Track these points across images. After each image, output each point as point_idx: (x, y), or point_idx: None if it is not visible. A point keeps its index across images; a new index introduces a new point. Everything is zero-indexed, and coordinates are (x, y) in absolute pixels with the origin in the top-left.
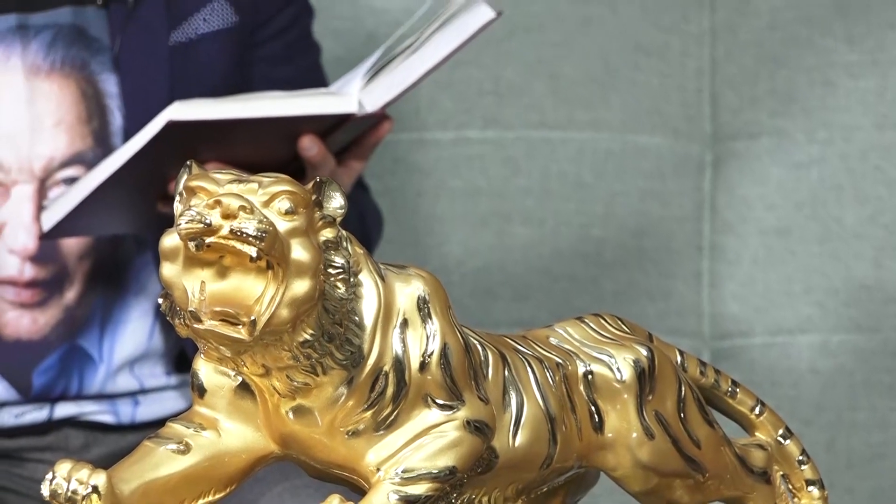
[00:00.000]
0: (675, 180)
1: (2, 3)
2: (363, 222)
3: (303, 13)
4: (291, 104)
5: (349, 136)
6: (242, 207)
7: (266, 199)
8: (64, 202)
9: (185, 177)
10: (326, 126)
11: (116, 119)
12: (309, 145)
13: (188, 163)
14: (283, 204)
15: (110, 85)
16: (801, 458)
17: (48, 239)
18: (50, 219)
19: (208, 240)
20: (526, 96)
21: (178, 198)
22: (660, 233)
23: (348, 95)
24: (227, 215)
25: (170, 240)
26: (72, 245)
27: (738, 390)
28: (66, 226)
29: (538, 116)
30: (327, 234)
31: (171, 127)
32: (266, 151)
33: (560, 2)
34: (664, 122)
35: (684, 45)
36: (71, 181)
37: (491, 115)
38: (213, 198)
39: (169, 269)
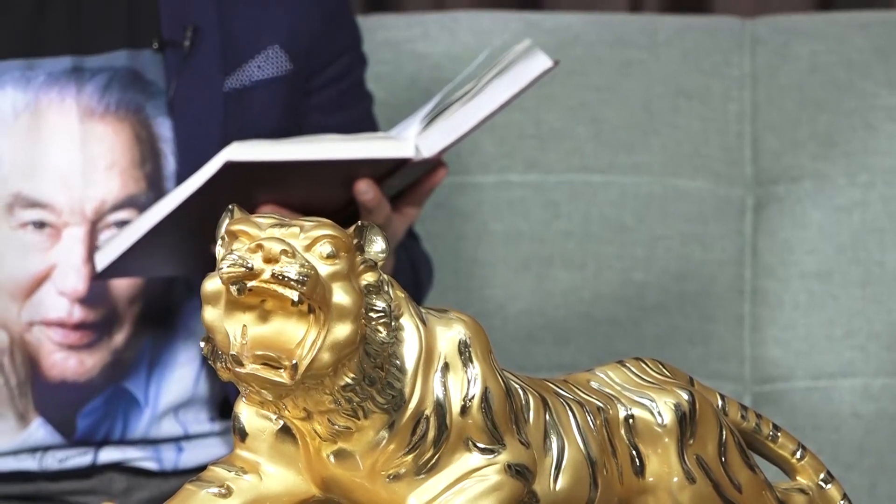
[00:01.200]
0: (717, 224)
1: (58, 45)
2: (414, 270)
3: (356, 62)
4: (349, 147)
5: (405, 181)
6: (284, 251)
7: (308, 244)
8: (118, 242)
9: (226, 221)
10: (383, 171)
11: (169, 163)
12: (365, 189)
13: (230, 207)
14: (325, 248)
15: (164, 129)
16: (842, 502)
17: (100, 280)
18: (103, 259)
19: (250, 284)
20: (568, 140)
21: (219, 242)
22: (701, 276)
23: (405, 140)
24: (269, 259)
25: (212, 284)
26: (122, 288)
27: (779, 434)
28: (118, 267)
29: (580, 160)
30: (369, 278)
31: (229, 167)
32: (321, 195)
33: (601, 46)
34: (705, 166)
35: (725, 88)
36: (122, 224)
37: (533, 159)
38: (254, 242)
39: (211, 313)
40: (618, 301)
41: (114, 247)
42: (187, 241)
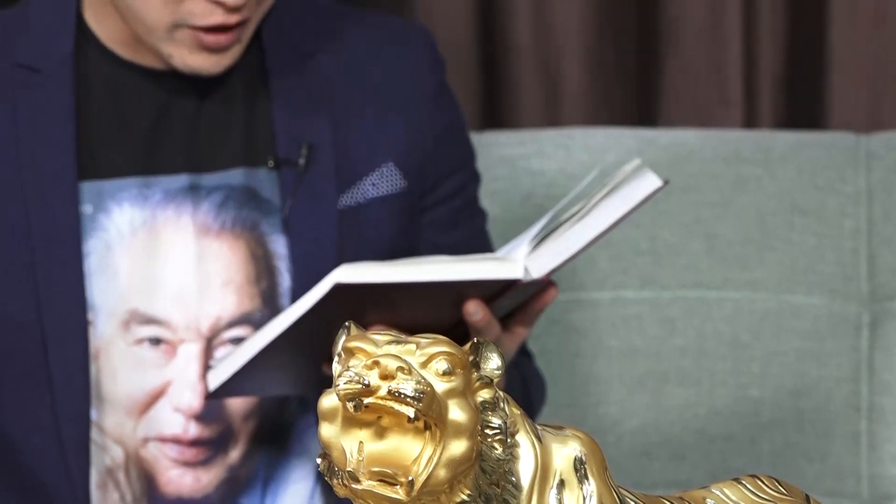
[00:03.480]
0: (832, 340)
1: (174, 163)
2: (526, 388)
3: (470, 180)
4: (458, 269)
5: (515, 301)
6: (400, 368)
7: (424, 360)
8: (230, 362)
9: (343, 338)
10: (492, 291)
11: (285, 280)
12: (474, 310)
13: (346, 324)
14: (441, 365)
15: (279, 246)
16: None
17: (214, 399)
18: (216, 378)
19: (366, 400)
20: (682, 256)
21: (336, 359)
22: (817, 393)
23: (514, 261)
24: (386, 376)
25: (328, 400)
26: (237, 404)
27: None
28: (231, 386)
29: (694, 276)
30: (484, 394)
31: (338, 289)
32: (431, 315)
33: (716, 162)
34: (821, 282)
35: (840, 204)
36: (238, 341)
37: (648, 275)
38: (371, 359)
39: (327, 430)
40: (733, 417)
41: (225, 367)
42: (298, 361)
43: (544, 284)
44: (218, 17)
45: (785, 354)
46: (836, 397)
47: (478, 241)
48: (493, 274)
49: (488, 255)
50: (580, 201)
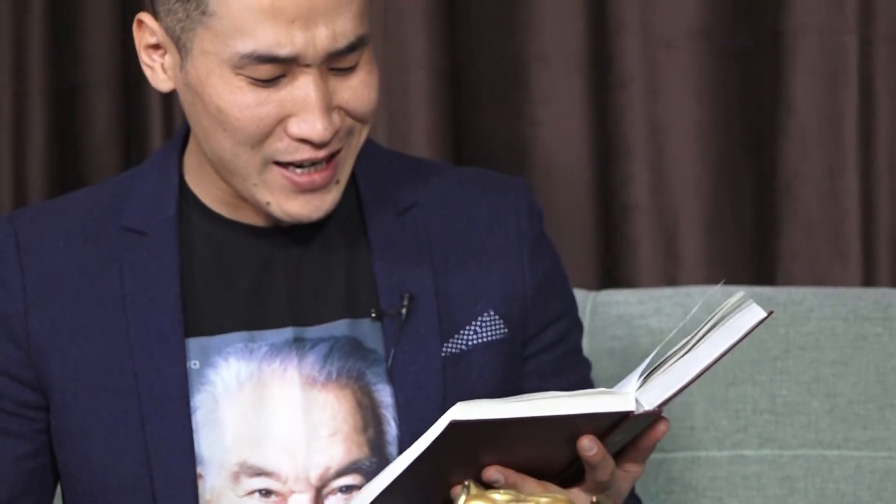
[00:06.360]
0: None
1: (279, 318)
2: None
3: (572, 328)
4: (572, 403)
5: (627, 436)
6: None
7: None
8: None
9: (463, 497)
10: (605, 426)
11: (392, 428)
12: (589, 446)
13: (465, 483)
14: None
15: (385, 395)
16: None
17: None
18: None
19: None
20: (802, 415)
21: None
22: None
23: (626, 394)
24: None
25: None
26: None
27: None
28: None
29: (815, 435)
30: None
31: (454, 427)
32: (546, 453)
33: (835, 320)
34: None
35: None
36: (347, 489)
37: (767, 434)
38: None
39: None
40: None
41: None
42: None
43: (655, 418)
44: (306, 153)
45: None
46: None
47: (582, 389)
48: (606, 407)
49: (600, 389)
50: (685, 336)
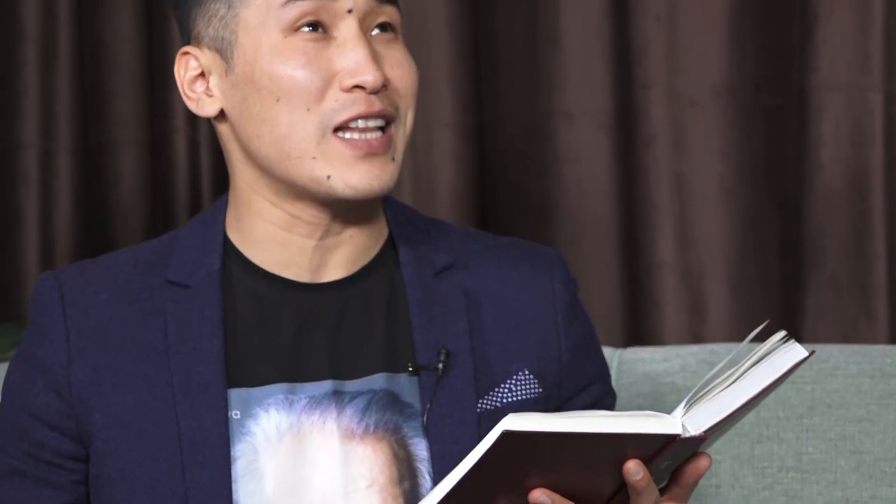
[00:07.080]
0: None
1: (318, 371)
2: None
3: (606, 395)
4: (620, 423)
5: (671, 464)
6: None
7: None
8: None
9: None
10: (651, 451)
11: (426, 482)
12: (635, 470)
13: None
14: None
15: (421, 449)
16: None
17: None
18: None
19: None
20: (829, 472)
21: None
22: None
23: (673, 418)
24: None
25: None
26: None
27: None
28: None
29: (841, 493)
30: None
31: (506, 438)
32: (592, 477)
33: (862, 378)
34: None
35: None
36: None
37: (794, 492)
38: None
39: None
40: None
41: None
42: None
43: (698, 450)
44: (361, 105)
45: None
46: None
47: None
48: (654, 428)
49: (648, 412)
50: (728, 370)
